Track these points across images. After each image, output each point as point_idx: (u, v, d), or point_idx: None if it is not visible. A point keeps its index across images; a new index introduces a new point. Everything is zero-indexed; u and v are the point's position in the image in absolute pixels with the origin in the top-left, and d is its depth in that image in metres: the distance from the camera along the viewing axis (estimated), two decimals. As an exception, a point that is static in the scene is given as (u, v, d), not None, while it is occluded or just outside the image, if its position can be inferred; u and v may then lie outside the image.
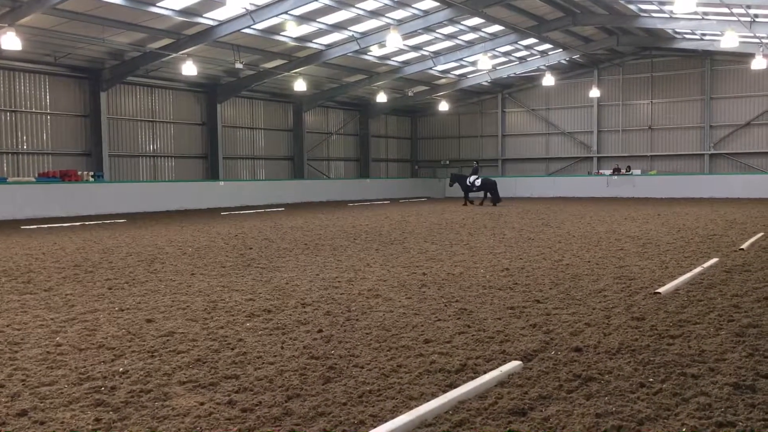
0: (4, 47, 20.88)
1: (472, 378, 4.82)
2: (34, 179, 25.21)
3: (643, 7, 27.50)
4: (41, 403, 4.42)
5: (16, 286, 8.92)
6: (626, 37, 33.73)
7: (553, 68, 38.18)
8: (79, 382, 4.84)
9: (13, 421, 4.11)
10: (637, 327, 6.27)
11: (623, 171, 38.52)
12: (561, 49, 34.45)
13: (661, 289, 8.06)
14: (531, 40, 32.23)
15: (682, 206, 26.43)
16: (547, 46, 33.83)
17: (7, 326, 6.54)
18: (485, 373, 4.91)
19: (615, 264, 10.47)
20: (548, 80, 35.96)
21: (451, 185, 32.42)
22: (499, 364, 5.11)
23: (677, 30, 31.09)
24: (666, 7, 26.36)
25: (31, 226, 19.50)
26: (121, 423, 4.09)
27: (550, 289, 8.39)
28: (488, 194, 30.47)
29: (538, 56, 36.18)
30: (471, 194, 30.92)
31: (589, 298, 7.73)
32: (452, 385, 4.68)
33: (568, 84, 41.15)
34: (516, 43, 32.20)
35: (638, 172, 38.46)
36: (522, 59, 36.66)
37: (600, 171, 39.86)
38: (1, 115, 25.62)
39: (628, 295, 7.87)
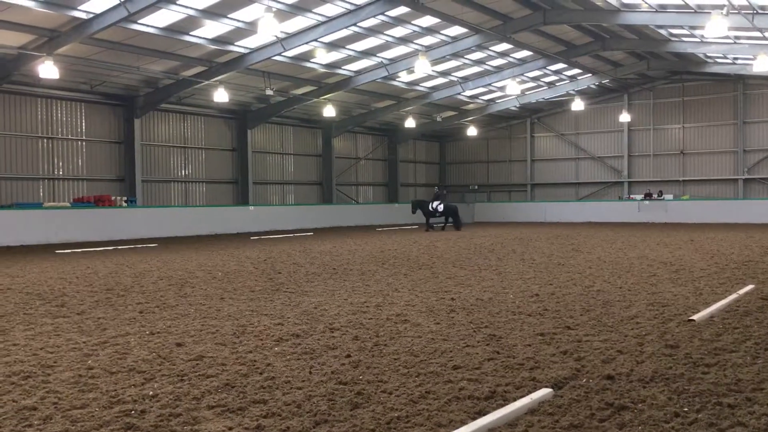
0: (42, 76, 21.48)
1: (502, 405, 4.75)
2: (69, 204, 25.71)
3: (674, 31, 27.34)
4: (73, 426, 4.46)
5: (50, 310, 9.06)
6: (657, 62, 33.52)
7: (583, 93, 38.05)
8: (109, 405, 4.88)
9: (45, 444, 4.15)
10: (671, 355, 6.15)
11: (655, 196, 38.04)
12: (590, 74, 34.35)
13: (695, 317, 7.90)
14: (560, 65, 32.20)
15: (716, 232, 25.97)
16: (576, 71, 33.77)
17: (41, 349, 6.64)
18: (515, 400, 4.84)
19: (647, 290, 10.30)
20: (578, 105, 35.85)
21: (413, 212, 31.25)
22: (530, 392, 5.04)
23: (708, 54, 30.83)
24: (697, 32, 26.17)
25: (66, 251, 19.84)
26: (151, 447, 4.10)
27: (581, 315, 8.27)
28: (449, 219, 30.48)
29: (568, 81, 36.11)
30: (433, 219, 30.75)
31: (621, 325, 7.61)
32: (481, 413, 4.63)
33: (598, 108, 40.96)
34: (545, 68, 32.18)
35: (670, 197, 37.95)
36: (551, 84, 36.62)
37: (631, 196, 39.42)
38: (39, 142, 26.27)
39: (662, 322, 7.72)
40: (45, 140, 26.44)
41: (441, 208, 30.26)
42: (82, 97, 27.27)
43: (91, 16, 19.79)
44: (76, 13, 19.67)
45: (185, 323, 7.97)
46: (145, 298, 9.99)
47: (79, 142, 27.55)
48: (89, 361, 6.13)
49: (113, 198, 26.92)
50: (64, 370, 5.86)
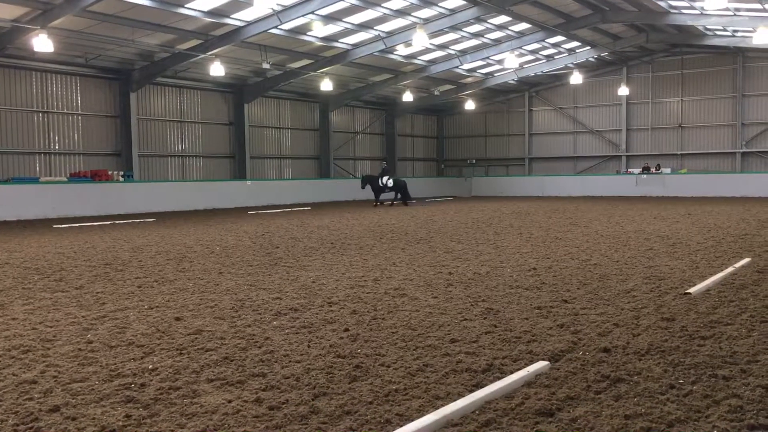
0: (36, 49, 21.27)
1: (499, 378, 4.80)
2: (65, 179, 25.64)
3: (674, 3, 27.10)
4: (73, 399, 4.49)
5: (48, 284, 9.08)
6: (656, 34, 33.26)
7: (581, 66, 37.81)
8: (109, 378, 4.91)
9: (45, 417, 4.19)
10: (666, 328, 6.19)
11: (653, 169, 38.01)
12: (589, 47, 34.09)
13: (691, 290, 7.94)
14: (559, 38, 31.95)
15: (714, 205, 26.02)
16: (575, 43, 33.52)
17: (40, 323, 6.66)
18: (512, 373, 4.88)
19: (644, 264, 10.34)
20: (576, 78, 35.64)
21: (363, 187, 30.50)
22: (526, 364, 5.08)
23: (708, 27, 30.58)
24: (697, 4, 25.94)
25: (63, 225, 19.82)
26: (151, 419, 4.14)
27: (578, 289, 8.31)
28: (398, 194, 30.32)
29: (566, 54, 35.86)
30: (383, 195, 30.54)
31: (617, 299, 7.65)
32: (479, 385, 4.67)
33: (597, 82, 40.75)
34: (543, 41, 31.93)
35: (668, 170, 37.91)
36: (549, 57, 36.36)
37: (629, 170, 39.38)
38: (34, 116, 26.10)
39: (658, 296, 7.76)
40: (40, 114, 26.25)
41: (390, 183, 30.09)
42: (78, 71, 27.03)
43: (85, -12, 19.56)
44: (69, -14, 19.45)
45: (184, 297, 8.00)
46: (144, 273, 10.02)
47: (75, 117, 27.36)
48: (88, 335, 6.16)
49: (110, 173, 26.83)
50: (64, 344, 5.89)
